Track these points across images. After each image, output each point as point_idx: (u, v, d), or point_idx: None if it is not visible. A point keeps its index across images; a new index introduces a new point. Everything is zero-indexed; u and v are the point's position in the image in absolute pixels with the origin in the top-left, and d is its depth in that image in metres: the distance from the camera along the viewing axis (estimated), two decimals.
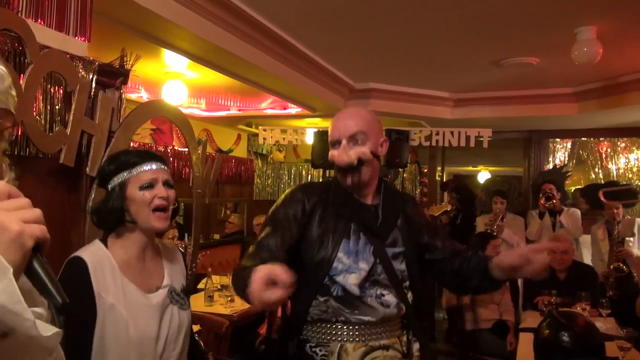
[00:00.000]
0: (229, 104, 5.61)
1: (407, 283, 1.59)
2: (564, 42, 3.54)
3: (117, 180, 1.46)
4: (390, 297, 1.54)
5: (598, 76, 4.71)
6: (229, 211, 7.49)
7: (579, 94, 5.15)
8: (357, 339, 1.50)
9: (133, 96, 4.93)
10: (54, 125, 1.80)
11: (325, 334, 1.52)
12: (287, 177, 8.19)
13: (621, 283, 4.36)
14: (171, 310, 1.50)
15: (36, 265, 0.65)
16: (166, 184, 1.50)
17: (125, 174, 1.46)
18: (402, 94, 5.35)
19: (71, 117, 1.80)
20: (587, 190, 5.56)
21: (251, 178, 7.38)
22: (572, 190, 6.25)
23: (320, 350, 1.52)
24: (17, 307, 0.59)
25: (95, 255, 1.44)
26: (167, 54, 3.82)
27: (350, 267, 1.52)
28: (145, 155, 1.51)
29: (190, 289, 1.91)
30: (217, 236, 6.79)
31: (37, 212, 0.66)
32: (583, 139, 6.55)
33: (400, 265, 1.58)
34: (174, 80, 4.14)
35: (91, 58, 1.92)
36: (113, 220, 1.47)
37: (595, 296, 3.71)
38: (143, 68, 4.23)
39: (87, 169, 1.93)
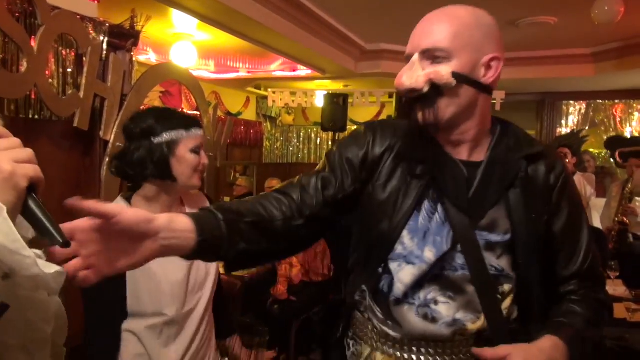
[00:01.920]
0: (238, 65, 5.54)
1: (507, 287, 1.04)
2: (583, 0, 3.42)
3: (167, 136, 1.44)
4: (446, 308, 1.02)
5: (616, 36, 4.57)
6: (237, 174, 7.52)
7: (597, 54, 5.02)
8: (389, 352, 1.07)
9: (141, 58, 4.87)
10: (67, 89, 1.79)
11: (361, 330, 1.13)
12: (296, 140, 8.17)
13: (620, 237, 4.41)
14: (206, 267, 1.53)
15: (32, 206, 0.63)
16: (199, 150, 1.52)
17: (179, 133, 1.45)
18: None
19: (84, 80, 1.78)
20: (613, 142, 5.45)
21: (260, 141, 7.37)
22: (583, 152, 6.16)
23: (354, 345, 1.15)
24: (16, 245, 0.57)
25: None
26: (175, 15, 3.74)
27: (411, 255, 1.03)
28: (194, 120, 1.52)
29: None
30: (227, 198, 6.84)
31: (28, 152, 0.64)
32: (598, 101, 6.42)
33: (496, 261, 1.02)
34: (183, 41, 4.07)
35: (102, 19, 1.89)
36: (154, 173, 1.44)
37: (604, 259, 3.74)
38: (150, 29, 4.16)
39: (100, 133, 1.93)
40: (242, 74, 5.74)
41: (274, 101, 6.11)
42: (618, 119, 6.44)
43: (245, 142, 6.96)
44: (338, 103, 5.52)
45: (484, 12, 1.04)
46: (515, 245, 1.02)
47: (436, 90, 0.99)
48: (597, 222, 5.22)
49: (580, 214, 1.09)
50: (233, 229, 0.91)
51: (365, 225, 1.09)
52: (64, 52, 1.75)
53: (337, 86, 6.43)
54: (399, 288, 1.04)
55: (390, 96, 6.24)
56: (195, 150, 1.47)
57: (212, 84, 6.17)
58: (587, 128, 6.47)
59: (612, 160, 5.41)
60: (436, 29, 1.00)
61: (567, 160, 4.90)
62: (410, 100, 1.02)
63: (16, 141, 0.64)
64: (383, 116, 7.39)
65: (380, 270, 1.07)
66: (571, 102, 6.54)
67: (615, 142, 5.38)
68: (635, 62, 4.73)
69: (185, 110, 5.45)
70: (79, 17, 1.80)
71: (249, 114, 7.21)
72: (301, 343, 3.68)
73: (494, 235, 1.01)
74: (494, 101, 5.58)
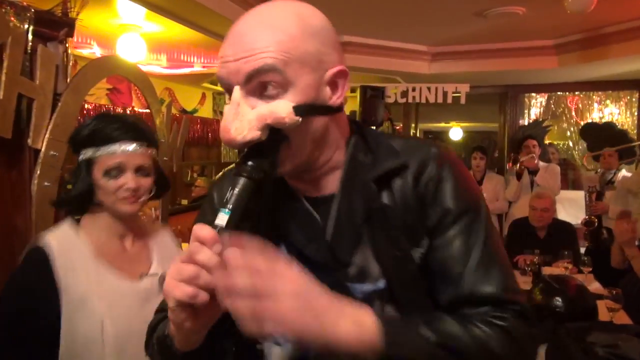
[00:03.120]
0: (192, 60, 5.18)
1: None
2: None
3: (84, 154, 1.23)
4: None
5: (581, 27, 4.53)
6: (195, 174, 7.17)
7: (560, 46, 4.98)
8: None
9: (84, 52, 4.45)
10: None
11: None
12: None
13: (594, 234, 4.38)
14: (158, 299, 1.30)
15: None
16: (141, 170, 1.26)
17: (90, 152, 1.22)
18: (378, 48, 5.05)
19: (2, 77, 1.46)
20: (588, 130, 5.44)
21: (218, 140, 7.02)
22: (547, 144, 6.18)
23: None
24: None
25: (63, 240, 1.24)
26: (120, 4, 3.39)
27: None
28: (127, 130, 1.24)
29: None
30: (184, 201, 6.48)
31: None
32: (558, 93, 6.45)
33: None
34: (130, 33, 3.71)
35: (25, 4, 1.56)
36: (78, 201, 1.26)
37: (575, 253, 3.68)
38: (94, 20, 3.78)
39: (29, 140, 1.61)
40: (197, 68, 5.38)
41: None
42: (575, 111, 6.50)
43: (202, 141, 6.61)
44: None
45: (311, 9, 0.79)
46: (392, 293, 0.79)
47: (278, 134, 0.73)
48: (562, 215, 5.21)
49: (469, 219, 0.79)
50: None
51: None
52: None
53: None
54: None
55: (353, 90, 6.05)
56: (110, 173, 1.21)
57: (165, 80, 5.79)
58: (548, 120, 6.49)
59: (588, 151, 5.42)
60: (256, 46, 0.72)
61: (535, 153, 4.85)
62: (245, 153, 0.74)
63: None
64: (346, 111, 7.21)
65: (261, 350, 0.85)
66: (533, 94, 6.54)
67: (590, 130, 5.40)
68: (597, 53, 4.71)
69: (134, 110, 5.08)
70: None
71: (206, 111, 6.85)
72: None
73: (367, 285, 0.79)
74: (458, 94, 5.46)
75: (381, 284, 0.79)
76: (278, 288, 0.62)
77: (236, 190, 0.70)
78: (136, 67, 2.22)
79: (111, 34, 3.95)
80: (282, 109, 0.72)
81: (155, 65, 5.28)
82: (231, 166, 0.93)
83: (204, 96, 6.71)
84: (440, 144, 0.86)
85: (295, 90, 0.73)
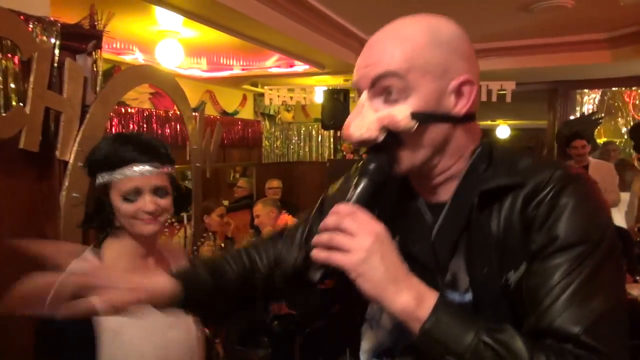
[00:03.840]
0: (231, 63, 5.23)
1: None
2: None
3: (100, 178, 1.22)
4: None
5: (635, 19, 4.23)
6: (238, 174, 7.24)
7: (614, 39, 4.68)
8: None
9: (127, 58, 4.58)
10: (11, 103, 1.49)
11: None
12: (296, 138, 7.86)
13: None
14: (185, 321, 1.30)
15: None
16: (158, 191, 1.24)
17: (106, 176, 1.20)
18: None
19: (30, 92, 1.48)
20: (638, 129, 5.06)
21: (259, 140, 7.07)
22: (602, 143, 5.84)
23: None
24: None
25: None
26: (158, 12, 3.44)
27: (373, 319, 0.90)
28: (141, 151, 1.21)
29: None
30: (225, 202, 6.55)
31: None
32: (613, 89, 6.09)
33: None
34: (168, 39, 3.76)
35: (51, 18, 1.58)
36: (99, 225, 1.26)
37: (631, 261, 3.45)
38: (134, 27, 3.87)
39: (57, 153, 1.64)
40: (237, 71, 5.43)
41: (271, 99, 5.81)
42: (633, 106, 6.12)
43: (243, 142, 6.66)
44: (338, 99, 5.24)
45: (444, 21, 0.82)
46: (478, 309, 0.77)
47: (394, 137, 0.78)
48: (617, 219, 4.91)
49: (581, 251, 0.70)
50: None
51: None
52: (3, 60, 1.45)
53: (337, 81, 6.12)
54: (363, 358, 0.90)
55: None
56: (128, 198, 1.19)
57: (206, 83, 5.87)
58: (602, 115, 6.13)
59: (635, 152, 5.08)
60: (382, 54, 0.78)
61: (584, 151, 4.56)
62: (368, 155, 0.81)
63: None
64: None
65: (361, 329, 0.92)
66: (585, 90, 6.21)
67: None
68: None
69: (175, 114, 5.16)
70: (22, 17, 1.50)
71: (247, 113, 6.90)
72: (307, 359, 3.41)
73: (456, 294, 0.80)
74: (504, 92, 5.26)
75: (468, 297, 0.79)
76: (360, 236, 0.71)
77: (358, 189, 0.77)
78: (167, 75, 2.23)
79: (151, 41, 4.03)
80: (400, 113, 0.76)
81: (195, 69, 5.37)
82: (359, 163, 0.99)
83: (245, 98, 6.76)
84: (572, 166, 0.80)
85: (416, 97, 0.77)
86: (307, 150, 7.86)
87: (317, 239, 0.73)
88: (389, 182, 0.85)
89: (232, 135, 6.37)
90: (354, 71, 0.83)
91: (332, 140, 7.17)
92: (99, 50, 1.82)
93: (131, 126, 4.72)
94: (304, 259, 0.97)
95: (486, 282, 0.76)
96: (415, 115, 0.76)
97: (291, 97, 5.85)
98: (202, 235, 3.32)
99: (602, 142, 5.89)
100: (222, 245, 3.92)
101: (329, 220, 0.73)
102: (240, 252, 1.04)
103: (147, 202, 1.20)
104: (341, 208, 0.74)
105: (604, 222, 0.74)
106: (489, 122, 9.71)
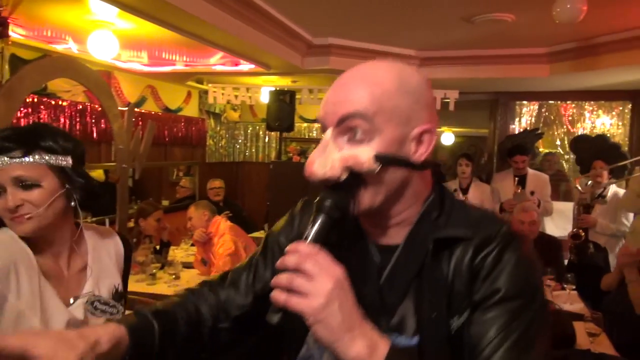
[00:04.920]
0: (174, 58, 5.03)
1: None
2: None
3: None
4: None
5: (573, 36, 4.40)
6: (181, 173, 7.02)
7: (552, 54, 4.85)
8: None
9: (59, 48, 4.30)
10: None
11: None
12: (243, 138, 7.72)
13: (580, 249, 4.26)
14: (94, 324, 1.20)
15: None
16: (21, 182, 1.11)
17: None
18: (364, 51, 4.90)
19: None
20: (578, 142, 5.29)
21: (203, 139, 6.89)
22: (542, 155, 6.06)
23: None
24: None
25: (8, 247, 1.13)
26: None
27: (314, 357, 0.88)
28: (5, 139, 1.10)
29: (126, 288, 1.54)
30: (166, 202, 6.32)
31: None
32: (550, 102, 6.34)
33: None
34: (101, 30, 3.55)
35: None
36: None
37: (559, 268, 3.57)
38: (67, 15, 3.64)
39: None
40: (179, 67, 5.23)
41: (215, 97, 5.65)
42: (567, 120, 6.39)
43: (186, 141, 6.46)
44: (284, 100, 5.16)
45: (412, 70, 0.86)
46: (423, 353, 0.79)
47: (356, 178, 0.79)
48: (550, 227, 5.09)
49: (518, 305, 0.78)
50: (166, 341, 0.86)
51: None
52: None
53: (285, 82, 6.03)
54: None
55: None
56: None
57: (147, 78, 5.63)
58: (540, 127, 6.37)
59: (577, 164, 5.29)
60: (353, 94, 0.80)
61: (524, 165, 4.73)
62: (325, 191, 0.81)
63: None
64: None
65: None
66: (524, 102, 6.43)
67: (581, 143, 5.26)
68: (590, 63, 4.58)
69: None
70: None
71: (191, 110, 6.69)
72: None
73: (402, 338, 0.82)
74: (448, 100, 5.35)
75: (414, 340, 0.81)
76: (320, 281, 0.69)
77: (316, 227, 0.76)
78: (89, 69, 2.07)
79: (85, 30, 3.80)
80: (364, 154, 0.78)
81: (136, 63, 5.13)
82: (314, 198, 0.96)
83: (189, 95, 6.55)
84: (513, 224, 0.88)
85: (380, 140, 0.79)
86: (253, 150, 7.74)
87: (276, 280, 0.71)
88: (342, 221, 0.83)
89: (175, 133, 6.16)
90: (321, 105, 0.84)
91: (278, 141, 7.08)
92: (7, 38, 1.66)
93: (62, 120, 4.45)
94: (254, 302, 0.96)
95: (434, 326, 0.79)
96: (378, 157, 0.78)
97: (236, 96, 5.72)
98: (133, 240, 3.14)
99: (543, 153, 6.11)
100: (157, 248, 3.75)
101: (289, 260, 0.71)
102: (186, 299, 0.97)
103: (8, 199, 1.08)
104: (302, 247, 0.72)
105: (538, 280, 0.84)
106: None
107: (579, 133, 6.23)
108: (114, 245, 1.36)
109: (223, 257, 3.38)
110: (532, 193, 4.64)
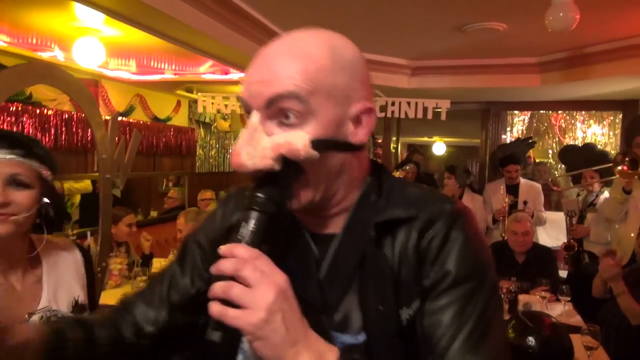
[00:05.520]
0: (162, 66, 4.97)
1: None
2: (536, 5, 3.15)
3: None
4: None
5: (564, 46, 4.40)
6: (171, 184, 6.92)
7: (543, 64, 4.84)
8: None
9: (44, 55, 4.23)
10: None
11: None
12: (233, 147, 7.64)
13: (575, 259, 4.23)
14: None
15: None
16: (14, 181, 1.09)
17: None
18: None
19: None
20: (566, 152, 5.29)
21: (193, 149, 6.80)
22: (534, 164, 6.05)
23: None
24: None
25: None
26: (78, 6, 3.17)
27: None
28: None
29: (96, 301, 1.45)
30: (154, 213, 6.22)
31: None
32: (541, 111, 6.34)
33: None
34: (87, 37, 3.48)
35: None
36: None
37: (554, 279, 3.52)
38: (53, 22, 3.57)
39: None
40: (168, 75, 5.17)
41: (204, 106, 5.58)
42: (559, 129, 6.39)
43: (175, 150, 6.37)
44: None
45: (346, 41, 0.76)
46: (372, 350, 0.72)
47: (291, 167, 0.69)
48: (543, 237, 5.05)
49: (470, 287, 0.71)
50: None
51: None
52: None
53: None
54: None
55: None
56: None
57: (136, 86, 5.56)
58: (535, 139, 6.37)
59: (566, 174, 5.28)
60: (282, 71, 0.69)
61: (517, 175, 4.70)
62: (256, 184, 0.70)
63: None
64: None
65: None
66: (515, 112, 6.42)
67: (569, 152, 5.26)
68: (581, 73, 4.58)
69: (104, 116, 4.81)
70: None
71: (181, 120, 6.62)
72: None
73: (348, 336, 0.74)
74: (439, 110, 5.33)
75: (361, 337, 0.73)
76: (261, 290, 0.61)
77: (251, 226, 0.67)
78: (70, 76, 1.99)
79: (71, 37, 3.73)
80: (299, 140, 0.68)
81: (124, 71, 5.06)
82: (238, 188, 0.93)
83: (179, 104, 6.48)
84: (458, 201, 0.78)
85: (316, 122, 0.70)
86: None
87: (212, 289, 0.62)
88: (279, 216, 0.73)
89: (164, 143, 6.08)
90: (244, 84, 0.72)
91: None
92: None
93: (47, 129, 4.35)
94: (170, 316, 0.87)
95: (381, 320, 0.71)
96: (315, 143, 0.68)
97: (226, 105, 5.65)
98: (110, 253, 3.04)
99: (535, 162, 6.10)
100: (140, 260, 3.65)
101: (225, 265, 0.62)
102: (111, 313, 0.91)
103: None
104: (239, 250, 0.63)
105: (488, 258, 0.75)
106: (425, 139, 9.93)
107: (571, 143, 6.23)
108: (73, 258, 1.31)
109: None
110: (525, 203, 4.61)
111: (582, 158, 4.89)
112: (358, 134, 0.74)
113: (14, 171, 1.09)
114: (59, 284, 1.24)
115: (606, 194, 4.47)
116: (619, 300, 2.87)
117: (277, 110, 0.69)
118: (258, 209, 0.67)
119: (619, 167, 3.63)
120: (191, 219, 3.57)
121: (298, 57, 0.70)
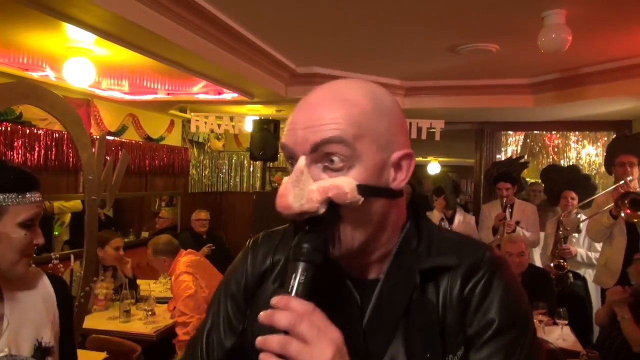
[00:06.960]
0: (155, 86, 4.94)
1: None
2: (528, 27, 3.16)
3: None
4: None
5: (556, 67, 4.41)
6: (163, 204, 6.85)
7: (536, 85, 4.86)
8: None
9: (35, 75, 4.19)
10: None
11: None
12: (227, 167, 7.59)
13: (560, 280, 4.21)
14: None
15: None
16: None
17: (8, 198, 1.01)
18: None
19: None
20: (549, 172, 5.30)
21: (186, 168, 6.74)
22: (532, 183, 6.02)
23: None
24: None
25: None
26: (69, 26, 3.15)
27: None
28: (29, 178, 1.07)
29: (72, 330, 1.36)
30: (146, 234, 6.13)
31: None
32: (535, 132, 6.34)
33: None
34: (77, 57, 3.45)
35: None
36: None
37: (551, 302, 3.47)
38: (44, 42, 3.54)
39: None
40: (161, 95, 5.14)
41: (197, 126, 5.55)
42: (553, 150, 6.39)
43: (168, 170, 6.31)
44: (269, 129, 5.11)
45: (383, 90, 0.78)
46: None
47: (335, 211, 0.70)
48: (535, 257, 5.01)
49: (514, 335, 0.73)
50: None
51: None
52: None
53: (269, 111, 5.96)
54: None
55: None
56: (27, 224, 1.02)
57: (128, 106, 5.52)
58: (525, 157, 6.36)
59: (544, 194, 5.30)
60: (327, 116, 0.70)
61: (509, 193, 4.68)
62: (299, 224, 0.71)
63: None
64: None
65: None
66: (509, 132, 6.43)
67: (551, 173, 5.27)
68: (574, 94, 4.59)
69: (94, 135, 4.77)
70: None
71: (174, 139, 6.57)
72: None
73: None
74: (433, 130, 5.32)
75: None
76: (319, 348, 0.60)
77: (300, 278, 0.66)
78: (55, 96, 1.96)
79: (63, 57, 3.70)
80: (346, 184, 0.69)
81: (116, 91, 5.03)
82: (265, 233, 0.94)
83: (172, 123, 6.44)
84: (494, 248, 0.81)
85: (361, 167, 0.70)
86: (237, 180, 7.61)
87: (264, 342, 0.61)
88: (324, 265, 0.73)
89: (156, 162, 6.02)
90: (286, 131, 0.74)
91: (262, 171, 6.96)
92: None
93: (37, 149, 4.30)
94: None
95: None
96: (361, 188, 0.69)
97: (219, 125, 5.63)
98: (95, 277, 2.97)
99: (529, 183, 6.07)
100: (126, 283, 3.56)
101: (280, 318, 0.61)
102: None
103: (39, 235, 1.04)
104: (295, 304, 0.62)
105: (527, 307, 0.77)
106: (420, 159, 9.93)
107: (566, 163, 6.22)
108: (42, 289, 1.21)
109: (183, 300, 3.24)
110: (517, 223, 4.58)
111: (565, 178, 4.91)
112: (398, 180, 0.75)
113: (37, 213, 1.08)
114: (22, 322, 1.14)
115: (583, 216, 4.50)
116: (622, 325, 2.86)
117: (322, 154, 0.70)
118: (305, 259, 0.67)
119: (622, 214, 3.68)
120: (161, 251, 3.48)
121: (341, 102, 0.71)
